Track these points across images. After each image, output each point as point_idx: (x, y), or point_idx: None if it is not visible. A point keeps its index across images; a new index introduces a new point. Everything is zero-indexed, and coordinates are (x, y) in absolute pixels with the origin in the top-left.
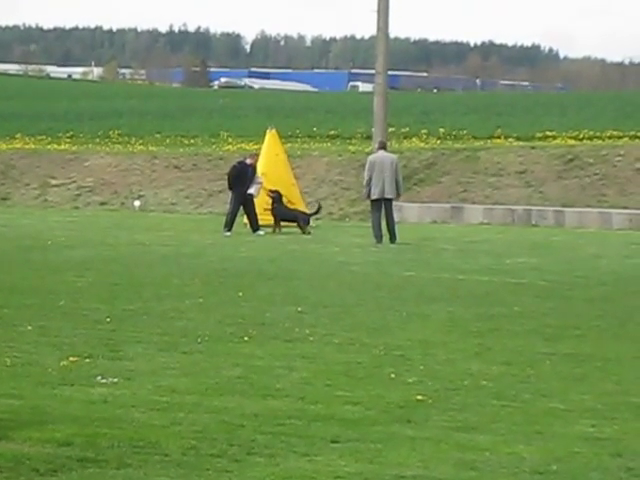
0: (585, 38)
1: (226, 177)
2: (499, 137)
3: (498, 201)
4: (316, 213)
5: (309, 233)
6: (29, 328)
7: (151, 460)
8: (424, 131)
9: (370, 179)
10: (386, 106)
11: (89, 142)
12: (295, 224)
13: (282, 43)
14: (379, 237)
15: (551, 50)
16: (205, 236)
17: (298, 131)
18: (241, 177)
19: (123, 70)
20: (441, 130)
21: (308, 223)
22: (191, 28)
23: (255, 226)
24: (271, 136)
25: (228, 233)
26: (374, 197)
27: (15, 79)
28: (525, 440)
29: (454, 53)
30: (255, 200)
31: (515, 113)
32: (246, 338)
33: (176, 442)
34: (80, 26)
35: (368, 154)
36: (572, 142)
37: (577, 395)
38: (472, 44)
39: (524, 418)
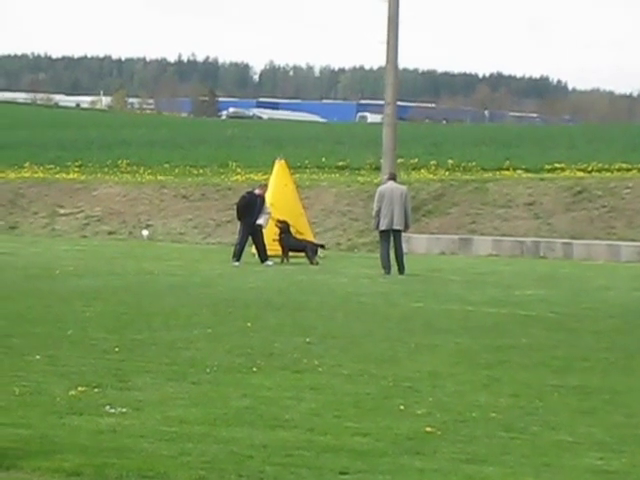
0: (594, 70)
1: (235, 207)
2: (508, 169)
3: (507, 233)
4: (321, 247)
5: (317, 263)
6: (37, 357)
7: None
8: (433, 162)
9: (379, 210)
10: (395, 137)
11: (97, 171)
12: (303, 254)
13: (291, 73)
14: (387, 268)
15: (560, 82)
16: (213, 266)
17: (307, 162)
18: (250, 207)
19: (131, 99)
20: (450, 161)
21: (316, 253)
22: (200, 58)
23: (263, 256)
24: (280, 166)
25: (236, 263)
26: (383, 228)
27: (24, 108)
28: (534, 472)
29: (463, 84)
30: (264, 230)
31: (524, 145)
32: (255, 369)
33: (185, 473)
34: (89, 55)
35: (377, 185)
36: (581, 174)
37: (585, 428)
38: (481, 75)
39: (533, 450)
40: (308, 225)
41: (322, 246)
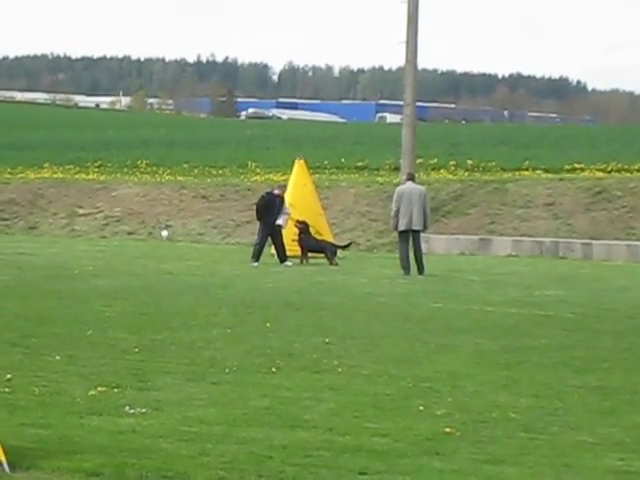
0: (613, 71)
1: (254, 208)
2: (527, 169)
3: (526, 233)
4: (345, 247)
5: (336, 264)
6: (57, 358)
7: None
8: (452, 163)
9: (398, 210)
10: (414, 137)
11: (117, 172)
12: (322, 255)
13: (310, 74)
14: (407, 268)
15: (579, 82)
16: (233, 266)
17: (326, 162)
18: (269, 208)
19: (151, 100)
20: (469, 162)
21: (335, 254)
22: (219, 58)
23: (283, 257)
24: (299, 166)
25: (256, 264)
26: (402, 228)
27: (43, 108)
28: (553, 473)
29: (482, 84)
30: (283, 231)
31: (543, 145)
32: (274, 369)
33: (204, 473)
34: (108, 55)
35: (396, 185)
36: (600, 175)
37: (605, 428)
38: (500, 76)
39: (552, 451)
40: (327, 225)
41: (348, 245)
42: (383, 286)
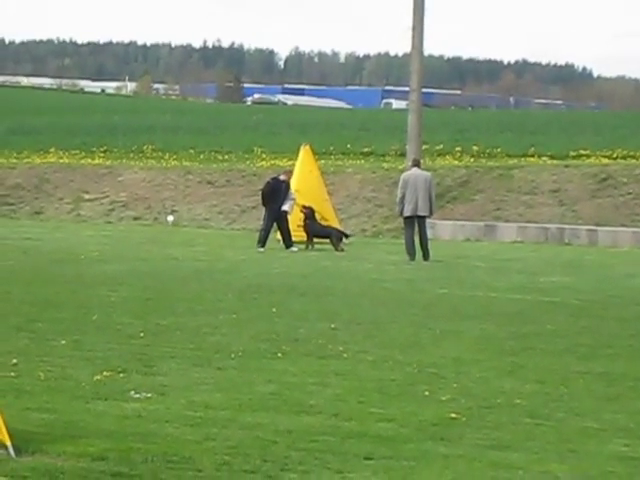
0: (619, 58)
1: (260, 193)
2: (533, 155)
3: (531, 219)
4: (346, 236)
5: (342, 250)
6: (63, 342)
7: (184, 475)
8: (458, 149)
9: (403, 196)
10: (420, 123)
11: (123, 157)
12: (328, 241)
13: (316, 60)
14: (412, 254)
15: (585, 69)
16: (238, 252)
17: (332, 148)
18: (275, 193)
19: (157, 85)
20: (475, 148)
21: (341, 240)
22: (225, 44)
23: (288, 242)
24: (305, 152)
25: (261, 249)
26: (407, 214)
27: (49, 93)
28: (558, 459)
29: (488, 71)
30: (289, 216)
31: (549, 132)
32: (279, 354)
33: (209, 458)
34: (114, 41)
35: (402, 171)
36: (606, 161)
37: (610, 414)
38: (506, 62)
39: (557, 437)
40: (333, 211)
41: (347, 235)
42: (388, 272)
